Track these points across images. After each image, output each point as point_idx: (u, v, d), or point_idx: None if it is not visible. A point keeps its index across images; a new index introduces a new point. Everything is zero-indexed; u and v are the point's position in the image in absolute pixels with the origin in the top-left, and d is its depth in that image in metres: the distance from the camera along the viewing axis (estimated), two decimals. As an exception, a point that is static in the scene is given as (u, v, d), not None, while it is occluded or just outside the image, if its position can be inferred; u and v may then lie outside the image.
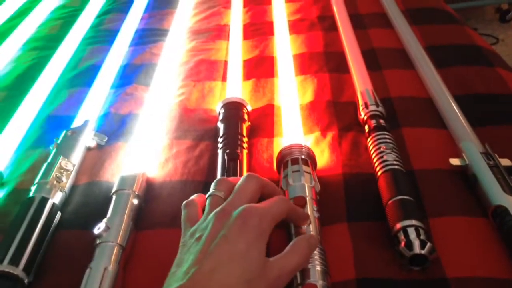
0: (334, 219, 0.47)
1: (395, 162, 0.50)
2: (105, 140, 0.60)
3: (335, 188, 0.51)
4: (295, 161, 0.51)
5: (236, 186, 0.42)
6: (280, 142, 0.58)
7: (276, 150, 0.56)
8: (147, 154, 0.56)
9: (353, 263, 0.43)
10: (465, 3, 2.08)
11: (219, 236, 0.36)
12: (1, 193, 0.53)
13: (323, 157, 0.55)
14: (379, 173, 0.49)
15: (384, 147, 0.51)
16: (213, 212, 0.39)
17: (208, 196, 0.43)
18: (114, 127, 0.63)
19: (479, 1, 2.23)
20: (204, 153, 0.57)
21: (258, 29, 0.85)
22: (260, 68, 0.73)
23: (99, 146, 0.59)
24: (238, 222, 0.37)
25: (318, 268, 0.40)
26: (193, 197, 0.45)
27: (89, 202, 0.51)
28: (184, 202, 0.44)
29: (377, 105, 0.58)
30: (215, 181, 0.45)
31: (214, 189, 0.43)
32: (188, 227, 0.41)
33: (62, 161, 0.52)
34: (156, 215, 0.50)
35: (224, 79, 0.71)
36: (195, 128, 0.62)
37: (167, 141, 0.60)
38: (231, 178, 0.46)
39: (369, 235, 0.45)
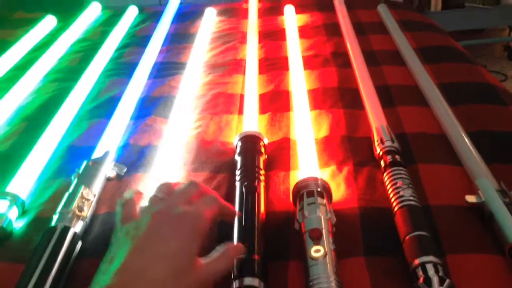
0: (351, 253, 0.48)
1: (411, 198, 0.50)
2: (125, 170, 0.61)
3: (351, 222, 0.52)
4: (310, 194, 0.51)
5: (177, 190, 0.45)
6: (296, 175, 0.59)
7: (292, 183, 0.57)
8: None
9: (371, 298, 0.43)
10: (474, 40, 2.11)
11: (152, 235, 0.39)
12: (23, 221, 0.54)
13: (339, 191, 0.56)
14: (396, 208, 0.50)
15: (400, 182, 0.52)
16: (150, 212, 0.41)
17: (150, 198, 0.45)
18: (133, 158, 0.64)
19: (488, 39, 2.26)
20: (222, 185, 0.58)
21: (273, 64, 0.87)
22: (275, 102, 0.74)
23: (118, 177, 0.60)
24: (172, 222, 0.40)
25: (336, 301, 0.41)
26: (130, 194, 0.46)
27: (110, 232, 0.52)
28: (120, 199, 0.45)
29: (393, 141, 0.59)
30: (158, 185, 0.47)
31: (155, 192, 0.46)
32: (122, 222, 0.42)
33: (83, 191, 0.53)
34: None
35: (240, 112, 0.72)
36: (212, 160, 0.63)
37: (184, 172, 0.61)
38: (174, 183, 0.48)
39: (387, 270, 0.46)
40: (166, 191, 0.45)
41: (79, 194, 0.52)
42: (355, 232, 0.50)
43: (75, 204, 0.51)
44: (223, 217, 0.47)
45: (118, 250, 0.39)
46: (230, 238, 0.48)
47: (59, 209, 0.52)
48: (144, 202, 0.46)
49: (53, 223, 0.50)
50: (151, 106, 0.75)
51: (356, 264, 0.47)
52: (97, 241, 0.51)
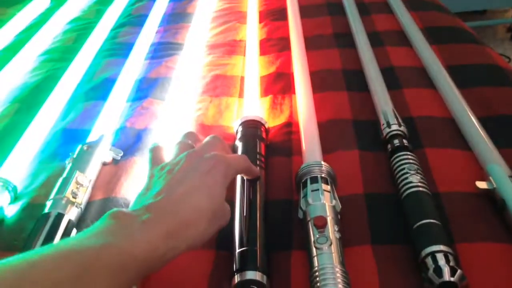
0: (357, 241, 0.46)
1: (420, 184, 0.48)
2: (121, 155, 0.59)
3: (357, 209, 0.50)
4: (314, 180, 0.49)
5: (205, 141, 0.48)
6: (299, 161, 0.56)
7: (295, 169, 0.55)
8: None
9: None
10: (476, 22, 2.08)
11: (190, 170, 0.41)
12: (15, 207, 0.52)
13: (343, 177, 0.53)
14: (404, 195, 0.48)
15: (408, 168, 0.50)
16: (186, 152, 0.44)
17: (178, 143, 0.48)
18: (129, 141, 0.62)
19: (491, 21, 2.22)
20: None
21: (275, 44, 0.84)
22: (277, 84, 0.72)
23: (114, 161, 0.58)
24: (209, 162, 0.42)
25: (342, 292, 0.39)
26: (157, 143, 0.50)
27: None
28: (150, 147, 0.50)
29: (400, 125, 0.57)
30: (184, 133, 0.51)
31: (183, 138, 0.49)
32: (156, 164, 0.45)
33: (78, 176, 0.51)
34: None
35: (241, 95, 0.70)
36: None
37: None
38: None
39: (394, 259, 0.44)
40: (194, 140, 0.49)
41: (74, 180, 0.50)
42: (361, 219, 0.48)
43: (69, 190, 0.49)
44: (246, 174, 0.49)
45: (157, 180, 0.41)
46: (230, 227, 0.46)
47: (52, 195, 0.49)
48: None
49: (46, 210, 0.48)
50: (147, 88, 0.73)
51: (362, 253, 0.45)
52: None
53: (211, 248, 0.47)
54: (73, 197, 0.49)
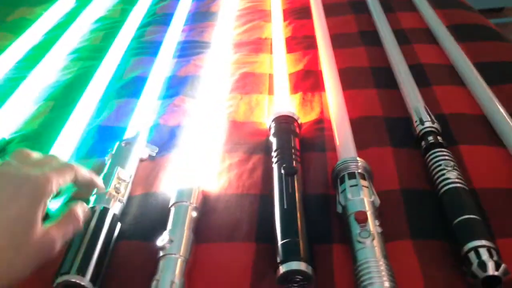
0: (397, 236, 0.47)
1: (457, 180, 0.49)
2: (156, 151, 0.60)
3: (394, 204, 0.50)
4: (352, 175, 0.50)
5: (30, 157, 0.42)
6: (333, 157, 0.57)
7: (330, 164, 0.56)
8: (200, 167, 0.56)
9: (423, 283, 0.42)
10: (493, 19, 2.07)
11: None
12: (58, 202, 0.53)
13: (379, 173, 0.54)
14: (442, 191, 0.48)
15: (444, 164, 0.50)
16: None
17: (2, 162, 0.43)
18: (164, 138, 0.63)
19: (507, 18, 2.21)
20: (257, 167, 0.57)
21: (300, 42, 0.84)
22: (306, 81, 0.73)
23: (150, 157, 0.59)
24: (15, 184, 0.37)
25: (387, 284, 0.39)
26: None
27: (147, 213, 0.51)
28: None
29: (433, 122, 0.57)
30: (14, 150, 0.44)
31: (9, 157, 0.42)
32: None
33: (119, 172, 0.52)
34: (214, 228, 0.49)
35: (270, 92, 0.71)
36: (245, 141, 0.61)
37: (218, 153, 0.59)
38: (32, 152, 0.44)
39: (435, 254, 0.45)
40: (20, 157, 0.42)
41: (115, 175, 0.51)
42: (399, 215, 0.49)
43: (112, 185, 0.50)
44: (78, 184, 0.44)
45: None
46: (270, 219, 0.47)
47: (95, 190, 0.51)
48: None
49: (90, 205, 0.49)
50: (177, 86, 0.74)
51: (403, 248, 0.45)
52: (135, 223, 0.50)
53: (250, 241, 0.48)
54: (116, 192, 0.50)
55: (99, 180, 0.47)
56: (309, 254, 0.43)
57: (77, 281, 0.40)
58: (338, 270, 0.45)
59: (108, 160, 0.56)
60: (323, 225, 0.49)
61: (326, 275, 0.44)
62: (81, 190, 0.46)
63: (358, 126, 0.62)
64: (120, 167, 0.53)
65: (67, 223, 0.41)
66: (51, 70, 0.79)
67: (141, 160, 0.59)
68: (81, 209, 0.42)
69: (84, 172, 0.44)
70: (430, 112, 0.59)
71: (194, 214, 0.48)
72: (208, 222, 0.50)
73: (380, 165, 0.55)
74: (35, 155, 0.43)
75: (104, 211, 0.47)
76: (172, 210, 0.49)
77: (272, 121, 0.61)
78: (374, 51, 0.79)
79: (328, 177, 0.54)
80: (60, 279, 0.41)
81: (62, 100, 0.71)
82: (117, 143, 0.58)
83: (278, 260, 0.43)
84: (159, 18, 0.97)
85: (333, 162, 0.55)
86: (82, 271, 0.41)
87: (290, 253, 0.43)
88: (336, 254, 0.46)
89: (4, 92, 0.75)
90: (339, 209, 0.49)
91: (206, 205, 0.52)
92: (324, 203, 0.52)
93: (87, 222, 0.46)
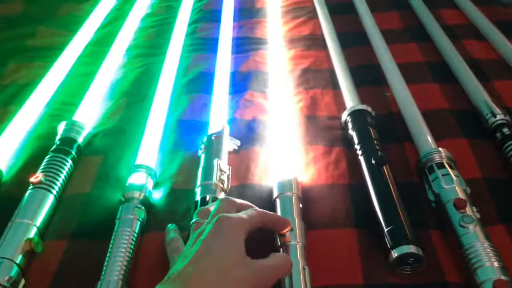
0: (489, 221, 0.50)
1: (540, 168, 0.52)
2: (239, 144, 0.63)
3: (481, 192, 0.54)
4: (441, 165, 0.53)
5: (212, 210, 0.45)
6: (410, 147, 0.60)
7: (410, 154, 0.59)
8: (288, 159, 0.58)
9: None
10: None
11: (197, 242, 0.40)
12: (159, 192, 0.56)
13: (458, 162, 0.57)
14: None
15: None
16: (195, 233, 0.42)
17: (191, 223, 0.47)
18: (243, 132, 0.65)
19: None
20: (340, 158, 0.60)
21: (351, 38, 0.87)
22: (367, 76, 0.76)
23: (235, 151, 0.62)
24: (212, 229, 0.40)
25: (496, 264, 0.43)
26: (171, 236, 0.49)
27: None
28: (165, 241, 0.48)
29: (504, 114, 0.61)
30: (196, 211, 0.48)
31: (196, 218, 0.47)
32: (176, 255, 0.43)
33: (220, 164, 0.55)
34: (314, 216, 0.52)
35: (334, 86, 0.74)
36: (322, 134, 0.64)
37: (300, 146, 0.62)
38: (208, 207, 0.48)
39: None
40: (205, 216, 0.46)
41: (217, 167, 0.54)
42: (487, 202, 0.52)
43: (216, 176, 0.53)
44: (271, 228, 0.47)
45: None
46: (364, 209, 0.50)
47: (199, 182, 0.54)
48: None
49: (198, 195, 0.52)
50: (243, 81, 0.76)
51: (498, 232, 0.49)
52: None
53: (351, 227, 0.51)
54: (221, 184, 0.53)
55: (282, 218, 0.48)
56: (416, 237, 0.47)
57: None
58: (440, 253, 0.48)
59: (202, 153, 0.58)
60: (416, 212, 0.52)
61: (431, 258, 0.47)
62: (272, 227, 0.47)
63: (427, 119, 0.65)
64: (218, 159, 0.56)
65: (276, 259, 0.42)
66: (114, 67, 0.81)
67: (228, 153, 0.61)
68: (286, 261, 0.43)
69: (265, 213, 0.46)
70: (498, 105, 0.63)
71: (299, 203, 0.51)
72: (307, 211, 0.53)
73: (458, 155, 0.58)
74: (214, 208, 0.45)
75: (215, 200, 0.50)
76: (278, 201, 0.52)
77: (348, 115, 0.64)
78: (425, 46, 0.83)
79: (411, 166, 0.58)
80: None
81: (134, 96, 0.74)
82: (206, 137, 0.60)
83: (388, 245, 0.46)
84: (207, 15, 0.99)
85: (411, 153, 0.58)
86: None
87: (400, 238, 0.46)
88: (434, 239, 0.49)
89: (73, 87, 0.77)
90: (431, 196, 0.52)
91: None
92: (408, 191, 0.55)
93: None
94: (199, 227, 0.43)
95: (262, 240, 0.47)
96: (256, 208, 0.46)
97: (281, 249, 0.46)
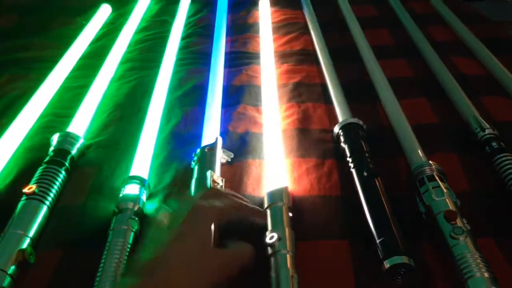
0: (479, 233, 0.50)
1: (529, 180, 0.53)
2: (232, 156, 0.63)
3: (468, 205, 0.54)
4: (431, 178, 0.54)
5: (194, 193, 0.50)
6: (401, 161, 0.61)
7: (400, 168, 0.60)
8: (279, 171, 0.59)
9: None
10: None
11: (170, 229, 0.42)
12: (153, 203, 0.56)
13: (450, 176, 0.58)
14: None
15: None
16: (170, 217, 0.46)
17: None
18: (236, 144, 0.66)
19: None
20: (332, 170, 0.61)
21: (343, 54, 0.89)
22: (360, 91, 0.77)
23: (228, 163, 0.63)
24: (187, 218, 0.43)
25: (487, 275, 0.44)
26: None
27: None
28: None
29: (493, 129, 0.62)
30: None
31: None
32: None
33: (213, 176, 0.55)
34: (306, 227, 0.53)
35: (326, 101, 0.75)
36: (315, 147, 0.65)
37: (292, 158, 0.63)
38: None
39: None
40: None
41: (211, 179, 0.54)
42: (477, 215, 0.53)
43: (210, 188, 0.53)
44: (244, 215, 0.49)
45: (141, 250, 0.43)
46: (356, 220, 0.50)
47: (192, 193, 0.54)
48: None
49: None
50: (236, 95, 0.77)
51: (486, 245, 0.49)
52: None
53: (344, 239, 0.51)
54: (214, 195, 0.53)
55: (259, 211, 0.52)
56: (408, 248, 0.47)
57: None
58: (431, 263, 0.48)
59: (195, 165, 0.59)
60: (408, 223, 0.53)
61: (422, 269, 0.48)
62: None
63: (417, 133, 0.66)
64: (211, 171, 0.56)
65: (240, 247, 0.44)
66: (108, 79, 0.82)
67: (221, 165, 0.62)
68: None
69: (246, 206, 0.50)
70: (485, 121, 0.64)
71: (289, 213, 0.52)
72: (299, 221, 0.53)
73: (448, 169, 0.59)
74: None
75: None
76: (269, 211, 0.52)
77: (340, 128, 0.65)
78: (415, 63, 0.84)
79: (402, 179, 0.59)
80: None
81: (128, 108, 0.74)
82: (199, 149, 0.61)
83: (381, 256, 0.47)
84: (200, 30, 1.00)
85: (402, 166, 0.59)
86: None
87: (392, 249, 0.47)
88: (425, 248, 0.50)
89: (67, 99, 0.77)
90: (422, 208, 0.53)
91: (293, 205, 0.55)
92: (402, 203, 0.55)
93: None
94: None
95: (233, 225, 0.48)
96: (237, 197, 0.49)
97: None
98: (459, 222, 0.49)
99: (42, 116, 0.73)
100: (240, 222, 0.48)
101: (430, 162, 0.57)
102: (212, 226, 0.43)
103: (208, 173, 0.55)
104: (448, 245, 0.47)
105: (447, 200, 0.51)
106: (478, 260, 0.45)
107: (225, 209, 0.46)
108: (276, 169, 0.59)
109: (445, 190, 0.52)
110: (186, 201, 0.46)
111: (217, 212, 0.45)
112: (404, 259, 0.46)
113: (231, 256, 0.43)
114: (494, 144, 0.60)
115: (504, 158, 0.57)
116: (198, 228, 0.42)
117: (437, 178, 0.54)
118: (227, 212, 0.46)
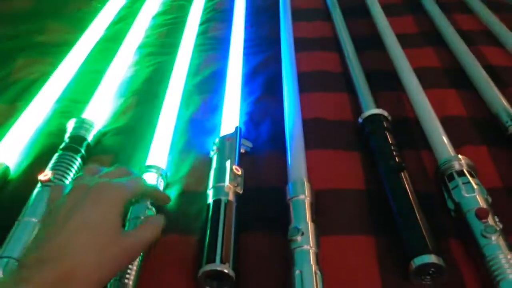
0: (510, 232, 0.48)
1: None
2: (251, 146, 0.61)
3: (503, 201, 0.52)
4: (461, 173, 0.52)
5: (101, 170, 0.45)
6: (427, 155, 0.59)
7: (426, 162, 0.58)
8: (301, 162, 0.57)
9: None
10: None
11: (71, 210, 0.38)
12: (170, 194, 0.55)
13: (480, 171, 0.55)
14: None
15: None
16: (70, 188, 0.41)
17: (75, 178, 0.45)
18: (255, 134, 0.64)
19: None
20: (356, 163, 0.59)
21: (366, 41, 0.86)
22: (384, 81, 0.74)
23: (247, 153, 0.61)
24: (91, 194, 0.39)
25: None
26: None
27: (264, 206, 0.53)
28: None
29: (524, 121, 0.59)
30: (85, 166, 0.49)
31: (81, 173, 0.46)
32: (48, 206, 0.42)
33: (233, 166, 0.53)
34: (330, 221, 0.51)
35: (348, 90, 0.72)
36: (336, 139, 0.63)
37: (314, 149, 0.61)
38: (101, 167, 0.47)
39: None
40: (91, 172, 0.45)
41: (230, 169, 0.53)
42: (508, 212, 0.51)
43: (229, 178, 0.51)
44: (151, 197, 0.49)
45: (43, 229, 0.39)
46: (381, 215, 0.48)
47: (211, 184, 0.52)
48: None
49: (210, 197, 0.50)
50: (255, 82, 0.75)
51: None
52: (251, 216, 0.52)
53: (369, 234, 0.49)
54: (234, 186, 0.51)
55: (162, 193, 0.52)
56: (437, 246, 0.45)
57: (223, 270, 0.42)
58: (461, 263, 0.46)
59: (214, 154, 0.57)
60: (435, 220, 0.50)
61: (451, 269, 0.46)
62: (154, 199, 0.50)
63: (445, 125, 0.63)
64: (231, 161, 0.54)
65: (146, 231, 0.42)
66: (125, 65, 0.80)
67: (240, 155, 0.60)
68: (158, 221, 0.44)
69: (147, 186, 0.48)
70: (516, 113, 0.61)
71: (312, 207, 0.50)
72: (322, 216, 0.51)
73: (478, 163, 0.56)
74: (105, 169, 0.46)
75: (229, 203, 0.49)
76: (291, 204, 0.50)
77: (364, 119, 0.62)
78: (442, 51, 0.81)
79: (429, 174, 0.56)
80: (206, 268, 0.42)
81: (145, 95, 0.73)
82: (218, 139, 0.59)
83: (408, 254, 0.45)
84: (218, 15, 0.98)
85: (428, 160, 0.57)
86: (225, 260, 0.42)
87: (420, 247, 0.45)
88: (453, 246, 0.48)
89: (83, 84, 0.76)
90: (451, 205, 0.51)
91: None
92: (429, 199, 0.53)
93: (217, 214, 0.47)
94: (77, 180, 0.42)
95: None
96: (139, 177, 0.47)
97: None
98: (490, 221, 0.46)
99: (58, 100, 0.72)
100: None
101: (460, 156, 0.54)
102: (121, 207, 0.40)
103: (228, 163, 0.54)
104: (479, 244, 0.45)
105: (478, 196, 0.49)
106: (511, 261, 0.43)
107: (134, 188, 0.44)
108: (297, 161, 0.57)
109: (475, 186, 0.50)
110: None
111: (126, 192, 0.42)
112: (433, 258, 0.44)
113: (139, 239, 0.41)
114: (526, 137, 0.57)
115: (538, 153, 0.54)
116: (107, 211, 0.39)
117: (467, 173, 0.52)
118: (135, 192, 0.44)
